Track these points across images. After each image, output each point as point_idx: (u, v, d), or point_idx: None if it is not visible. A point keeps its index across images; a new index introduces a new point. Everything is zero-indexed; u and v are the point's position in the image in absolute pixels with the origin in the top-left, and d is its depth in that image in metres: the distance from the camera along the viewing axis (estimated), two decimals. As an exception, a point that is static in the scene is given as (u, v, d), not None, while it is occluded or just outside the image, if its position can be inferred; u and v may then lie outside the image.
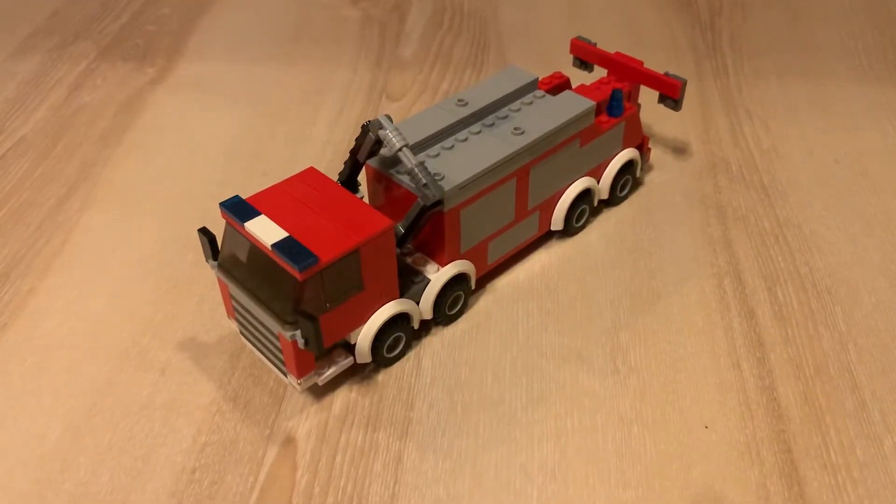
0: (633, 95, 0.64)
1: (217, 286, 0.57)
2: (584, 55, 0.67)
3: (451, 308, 0.53)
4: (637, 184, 0.66)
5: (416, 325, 0.51)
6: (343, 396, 0.49)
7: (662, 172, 0.67)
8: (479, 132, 0.53)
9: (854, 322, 0.53)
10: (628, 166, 0.62)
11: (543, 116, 0.54)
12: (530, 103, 0.56)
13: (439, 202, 0.48)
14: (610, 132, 0.59)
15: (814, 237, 0.60)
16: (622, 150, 0.61)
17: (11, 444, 0.47)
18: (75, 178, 0.68)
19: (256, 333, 0.48)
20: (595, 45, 0.67)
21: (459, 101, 0.55)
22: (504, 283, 0.57)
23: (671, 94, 0.63)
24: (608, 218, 0.62)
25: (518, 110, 0.56)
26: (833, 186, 0.66)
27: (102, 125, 0.75)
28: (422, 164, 0.47)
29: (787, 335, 0.52)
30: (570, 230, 0.60)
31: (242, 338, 0.50)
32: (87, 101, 0.78)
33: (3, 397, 0.49)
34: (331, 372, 0.48)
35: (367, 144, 0.50)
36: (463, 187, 0.49)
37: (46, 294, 0.57)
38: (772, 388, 0.49)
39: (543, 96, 0.57)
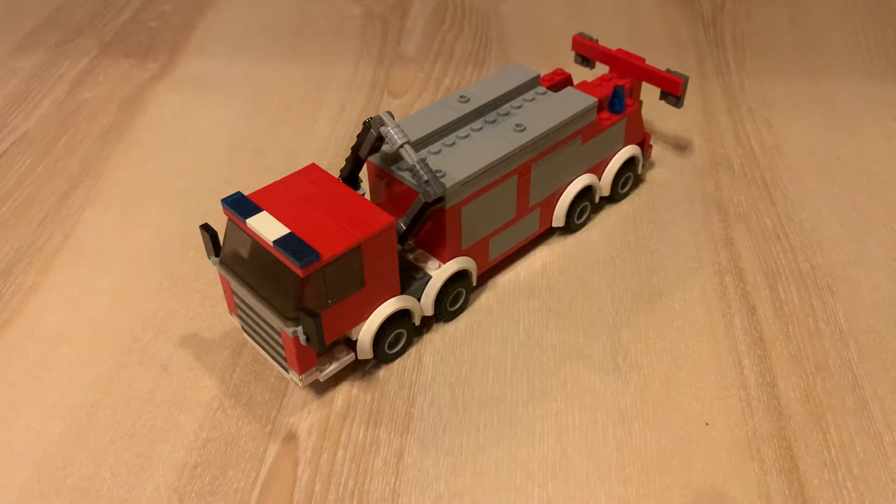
0: (634, 92, 0.64)
1: (219, 282, 0.57)
2: (586, 52, 0.67)
3: (452, 305, 0.53)
4: (638, 181, 0.66)
5: (417, 322, 0.51)
6: (344, 392, 0.49)
7: (664, 170, 0.67)
8: (480, 129, 0.53)
9: (855, 320, 0.53)
10: (630, 163, 0.62)
11: (545, 113, 0.54)
12: (532, 100, 0.56)
13: (441, 199, 0.48)
14: (611, 129, 0.59)
15: (815, 234, 0.60)
16: (624, 147, 0.61)
17: (13, 440, 0.47)
18: (77, 175, 0.68)
19: (258, 329, 0.48)
20: (597, 41, 0.67)
21: (461, 97, 0.55)
22: (505, 279, 0.57)
23: (673, 91, 0.62)
24: (609, 215, 0.62)
25: (520, 107, 0.56)
26: (835, 184, 0.65)
27: (104, 121, 0.75)
28: (423, 160, 0.47)
29: (788, 332, 0.52)
30: (571, 227, 0.60)
31: (244, 334, 0.51)
32: (89, 98, 0.78)
33: (5, 393, 0.50)
34: (332, 368, 0.48)
35: (369, 141, 0.50)
36: (464, 184, 0.49)
37: (48, 290, 0.57)
38: (772, 385, 0.49)
39: (545, 93, 0.57)
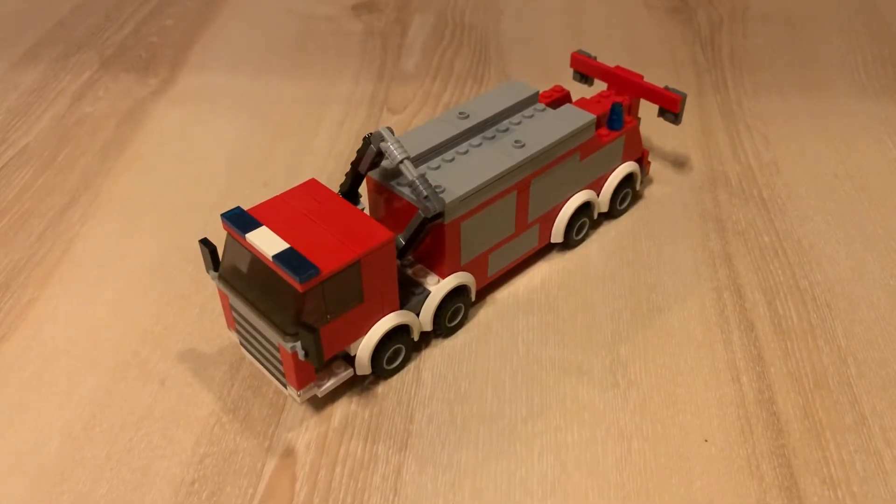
0: (633, 109, 0.64)
1: (217, 297, 0.57)
2: (585, 69, 0.68)
3: (451, 320, 0.53)
4: (637, 197, 0.66)
5: (416, 337, 0.51)
6: (343, 408, 0.49)
7: (662, 186, 0.67)
8: (479, 145, 0.54)
9: (854, 336, 0.53)
10: (628, 179, 0.62)
11: (544, 129, 0.55)
12: (531, 116, 0.56)
13: (440, 214, 0.48)
14: (610, 145, 0.59)
15: (813, 251, 0.60)
16: (622, 163, 0.61)
17: (10, 454, 0.47)
18: (77, 189, 0.68)
19: (256, 345, 0.48)
20: (595, 58, 0.67)
21: (460, 113, 0.56)
22: (504, 295, 0.57)
23: (671, 108, 0.63)
24: (608, 231, 0.63)
25: (519, 123, 0.56)
26: (833, 201, 0.66)
27: (104, 136, 0.75)
28: (423, 176, 0.47)
29: (786, 349, 0.52)
30: (570, 243, 0.60)
31: (242, 349, 0.50)
32: (90, 112, 0.79)
33: (2, 407, 0.49)
34: (330, 384, 0.48)
35: (369, 156, 0.50)
36: (464, 199, 0.49)
37: (47, 304, 0.57)
38: (771, 402, 0.49)
39: (544, 109, 0.57)
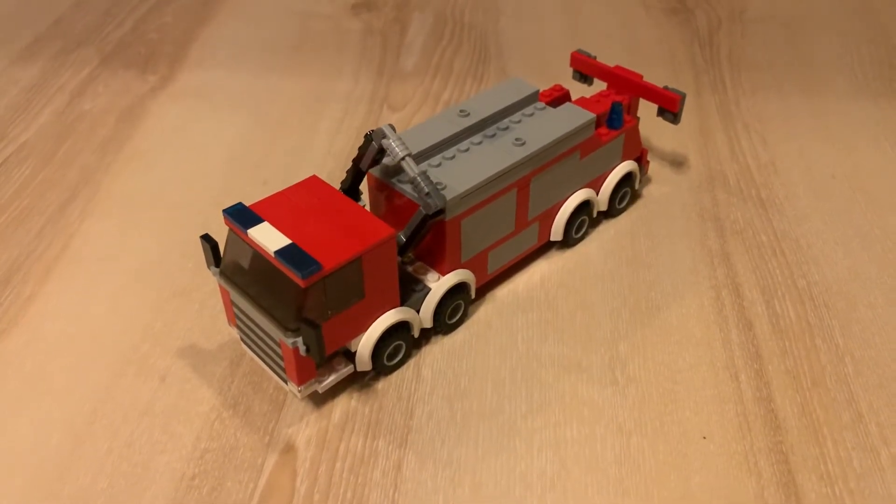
0: (632, 108, 0.64)
1: (217, 293, 0.57)
2: (584, 68, 0.68)
3: (451, 317, 0.53)
4: (636, 196, 0.66)
5: (416, 334, 0.51)
6: (343, 404, 0.49)
7: (661, 185, 0.68)
8: (480, 143, 0.54)
9: (851, 336, 0.54)
10: (627, 178, 0.62)
11: (544, 128, 0.55)
12: (531, 115, 0.57)
13: (441, 211, 0.49)
14: (609, 144, 0.59)
15: (811, 251, 0.61)
16: (621, 162, 0.62)
17: (10, 450, 0.47)
18: (76, 185, 0.68)
19: (257, 340, 0.48)
20: (595, 58, 0.67)
21: (461, 111, 0.56)
22: (504, 292, 0.57)
23: (670, 108, 0.63)
24: (607, 229, 0.63)
25: (519, 122, 0.56)
26: (830, 201, 0.66)
27: (104, 132, 0.75)
28: (424, 173, 0.47)
29: (784, 348, 0.53)
30: (569, 241, 0.60)
31: (243, 345, 0.51)
32: (89, 108, 0.79)
33: (2, 403, 0.49)
34: (331, 379, 0.48)
35: (370, 153, 0.50)
36: (464, 197, 0.50)
37: (47, 300, 0.57)
38: (769, 399, 0.49)
39: (544, 108, 0.57)
